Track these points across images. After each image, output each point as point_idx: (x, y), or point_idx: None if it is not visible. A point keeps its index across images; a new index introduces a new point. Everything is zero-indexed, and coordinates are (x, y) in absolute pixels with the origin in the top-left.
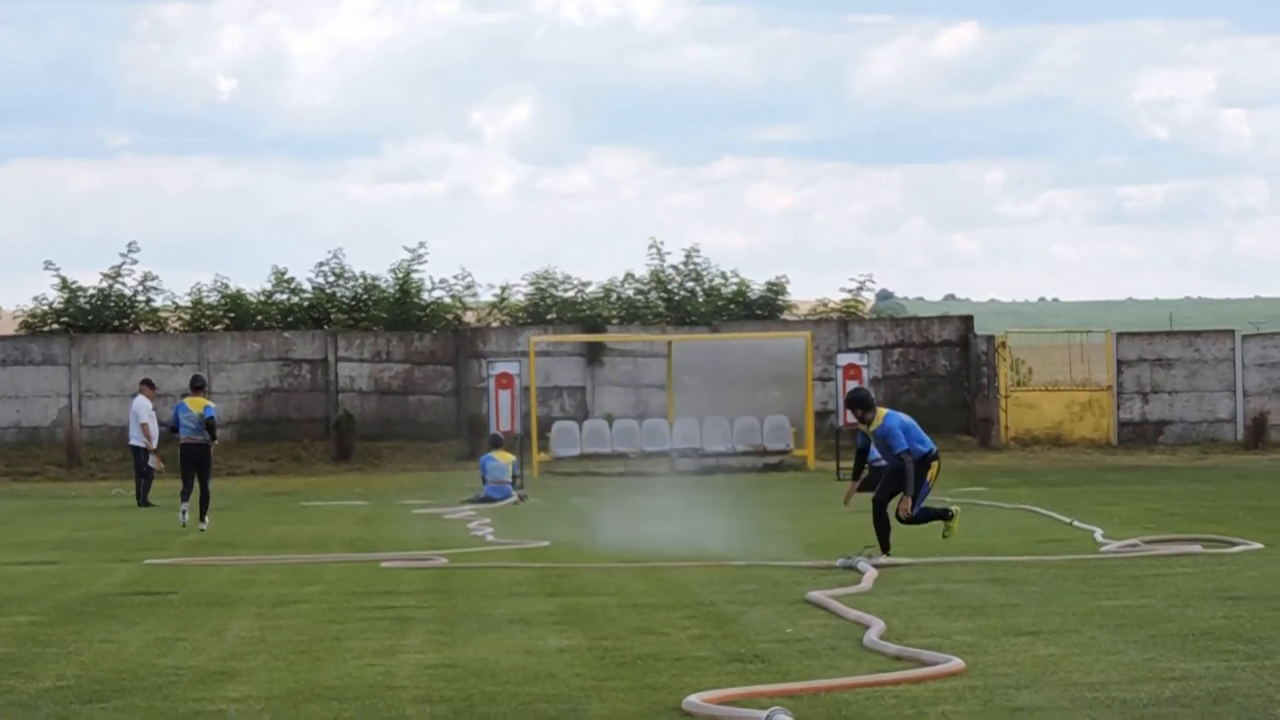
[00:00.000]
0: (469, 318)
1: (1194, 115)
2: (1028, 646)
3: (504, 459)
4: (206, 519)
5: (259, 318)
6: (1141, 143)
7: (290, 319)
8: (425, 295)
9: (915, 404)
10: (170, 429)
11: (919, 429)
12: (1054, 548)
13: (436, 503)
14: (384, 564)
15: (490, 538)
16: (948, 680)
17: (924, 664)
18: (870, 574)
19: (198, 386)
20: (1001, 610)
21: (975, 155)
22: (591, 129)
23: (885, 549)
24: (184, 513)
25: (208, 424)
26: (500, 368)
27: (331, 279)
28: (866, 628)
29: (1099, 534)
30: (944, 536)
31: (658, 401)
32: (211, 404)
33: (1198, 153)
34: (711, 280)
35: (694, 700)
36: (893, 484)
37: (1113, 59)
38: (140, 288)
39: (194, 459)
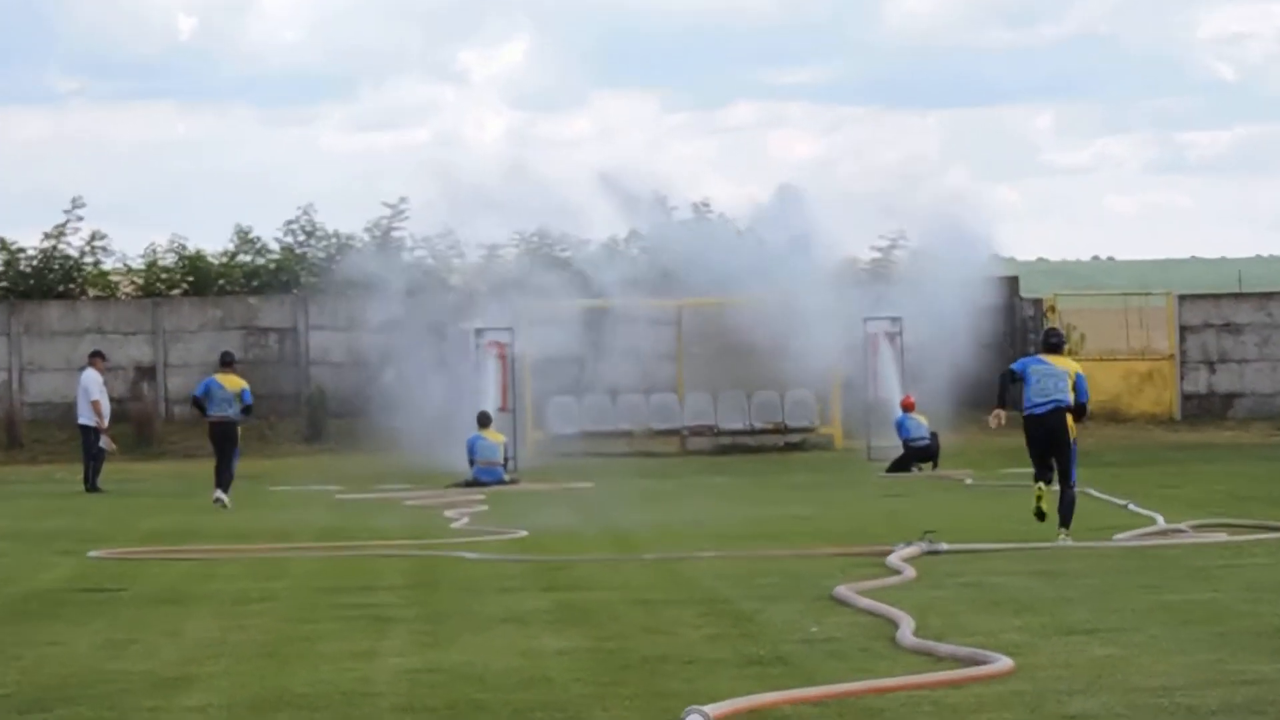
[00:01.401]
0: (455, 280)
1: (1264, 53)
2: (1082, 646)
3: (494, 439)
4: (228, 495)
5: (220, 282)
6: (1205, 83)
7: (255, 283)
8: (406, 256)
9: (952, 373)
10: (195, 403)
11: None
12: (1109, 535)
13: (418, 487)
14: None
15: (463, 525)
16: (992, 684)
17: (967, 664)
18: (908, 569)
19: (228, 362)
20: (1052, 605)
21: (1020, 98)
22: (593, 70)
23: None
24: (218, 498)
25: (246, 408)
26: (490, 336)
27: (302, 238)
28: (897, 625)
29: (1160, 520)
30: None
31: (666, 373)
32: (248, 385)
33: (1268, 95)
34: (725, 237)
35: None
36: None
37: None
38: (87, 249)
39: (225, 436)
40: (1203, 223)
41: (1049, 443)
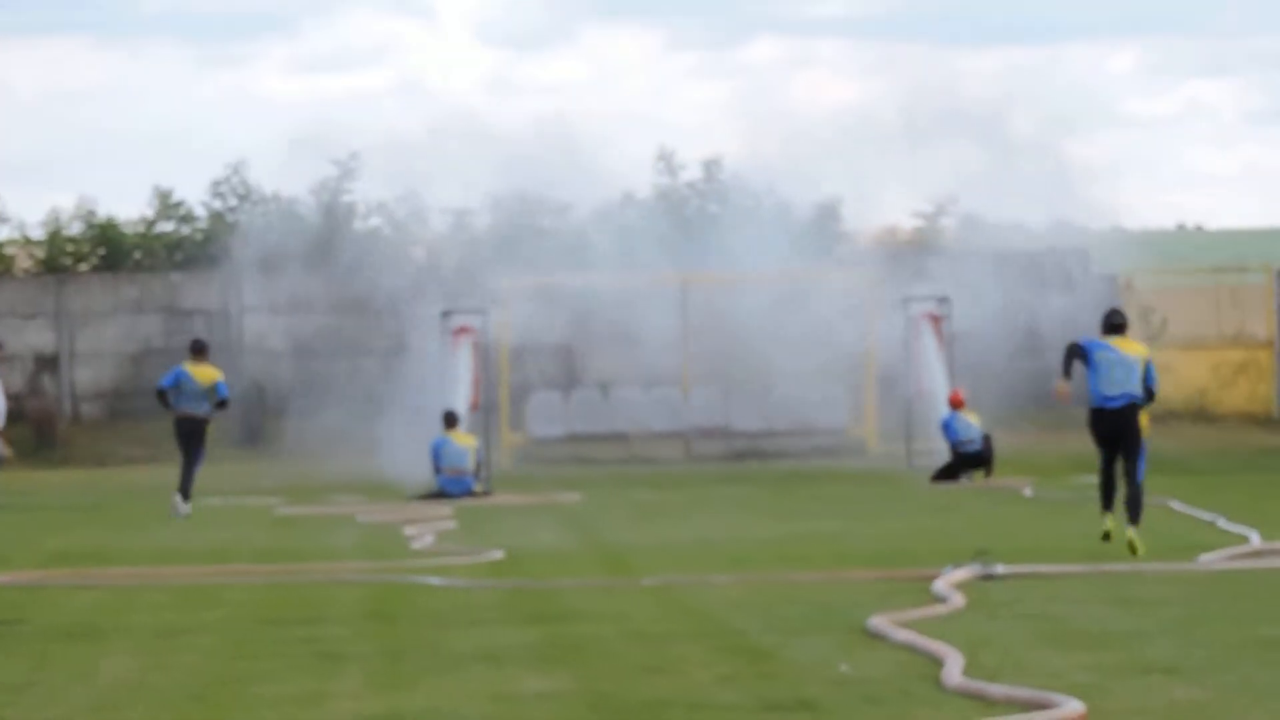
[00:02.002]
0: (417, 253)
1: None
2: (1162, 688)
3: (463, 442)
4: (187, 504)
5: (137, 255)
6: None
7: (179, 257)
8: (358, 224)
9: (1010, 365)
10: (160, 396)
11: None
12: (1194, 557)
13: (374, 500)
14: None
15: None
16: None
17: (1026, 709)
18: (956, 596)
19: (199, 350)
20: (1126, 640)
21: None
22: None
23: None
24: (175, 506)
25: (220, 403)
26: (459, 319)
27: (233, 203)
28: (943, 663)
29: (1255, 539)
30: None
31: (669, 365)
32: (223, 377)
33: None
34: (741, 201)
35: None
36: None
37: None
38: None
39: (192, 434)
40: None
41: (1119, 439)
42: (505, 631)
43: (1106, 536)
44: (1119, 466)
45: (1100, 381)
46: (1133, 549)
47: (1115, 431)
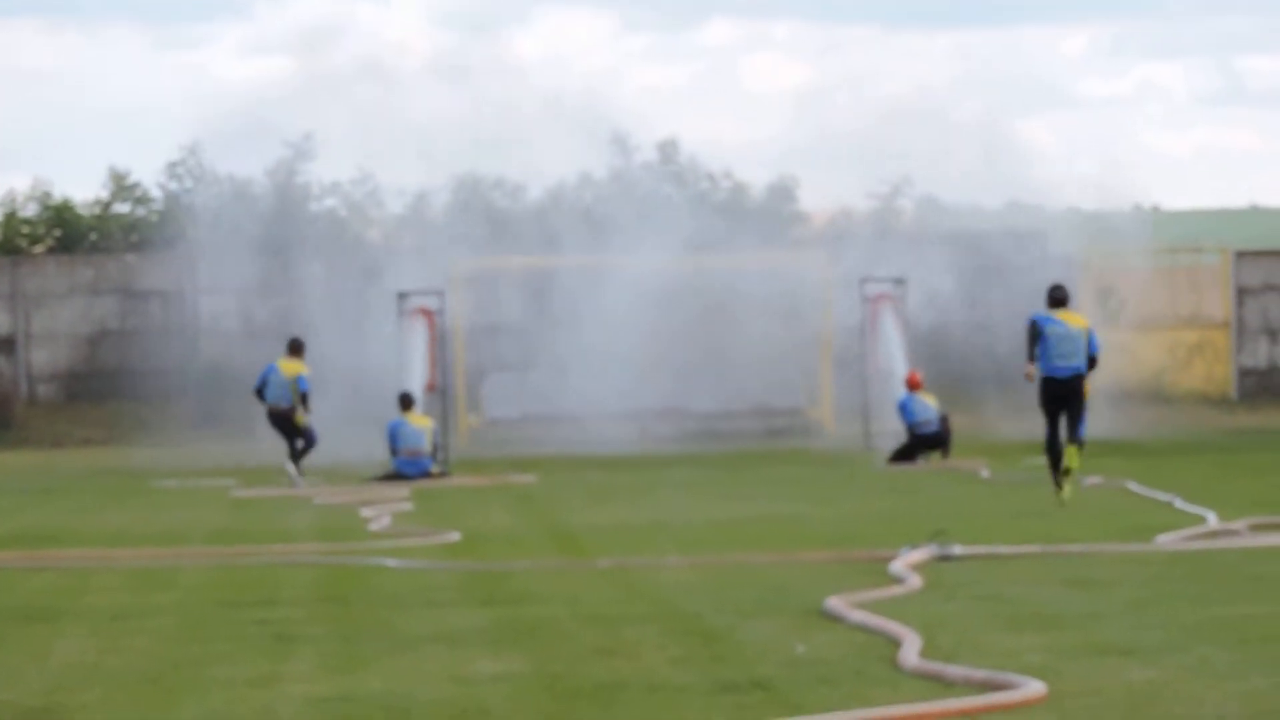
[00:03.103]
0: (373, 235)
1: None
2: (1118, 669)
3: (419, 424)
4: (297, 468)
5: (93, 236)
6: None
7: (135, 238)
8: (313, 205)
9: (966, 347)
10: (257, 392)
11: None
12: (1151, 538)
13: (329, 482)
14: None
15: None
16: (1013, 714)
17: (983, 690)
18: (912, 577)
19: (294, 348)
20: (1083, 621)
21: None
22: None
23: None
24: (289, 471)
25: (302, 396)
26: (415, 301)
27: (189, 184)
28: (900, 644)
29: (1212, 519)
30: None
31: (624, 346)
32: (308, 373)
33: None
34: (696, 183)
35: None
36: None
37: None
38: None
39: (279, 424)
40: (1266, 165)
41: (1064, 404)
42: (461, 613)
43: (1068, 471)
44: (1063, 434)
45: (1049, 354)
46: (1068, 469)
47: (1062, 398)
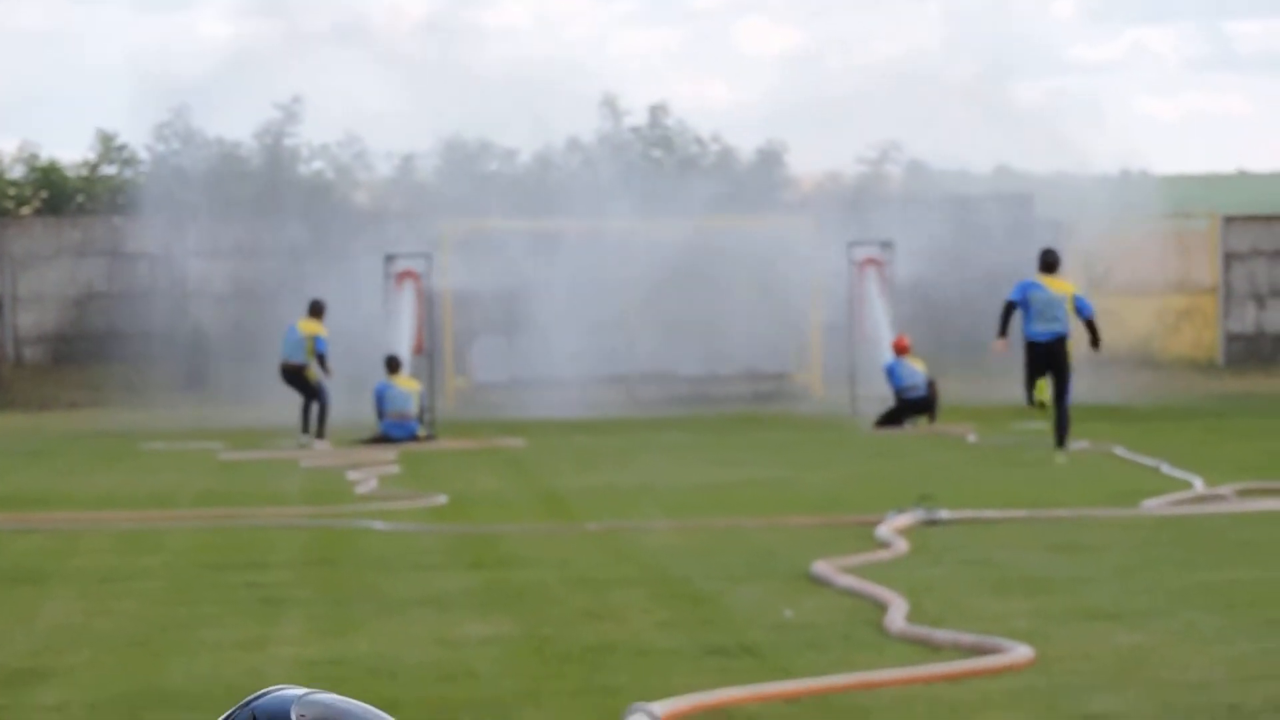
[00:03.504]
0: (360, 197)
1: None
2: (1105, 634)
3: (406, 386)
4: (319, 433)
5: (80, 198)
6: None
7: (122, 200)
8: (302, 168)
9: (953, 311)
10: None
11: None
12: (1138, 503)
13: (316, 444)
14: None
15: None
16: (999, 678)
17: (970, 654)
18: (899, 542)
19: (315, 311)
20: (1070, 586)
21: None
22: None
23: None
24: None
25: (320, 357)
26: (403, 264)
27: (177, 146)
28: (886, 609)
29: (1199, 484)
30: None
31: (613, 310)
32: (325, 334)
33: None
34: (685, 148)
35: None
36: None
37: None
38: None
39: (292, 381)
40: (1254, 130)
41: (1049, 366)
42: (448, 576)
43: (1042, 405)
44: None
45: (1033, 319)
46: (1041, 403)
47: (1047, 361)
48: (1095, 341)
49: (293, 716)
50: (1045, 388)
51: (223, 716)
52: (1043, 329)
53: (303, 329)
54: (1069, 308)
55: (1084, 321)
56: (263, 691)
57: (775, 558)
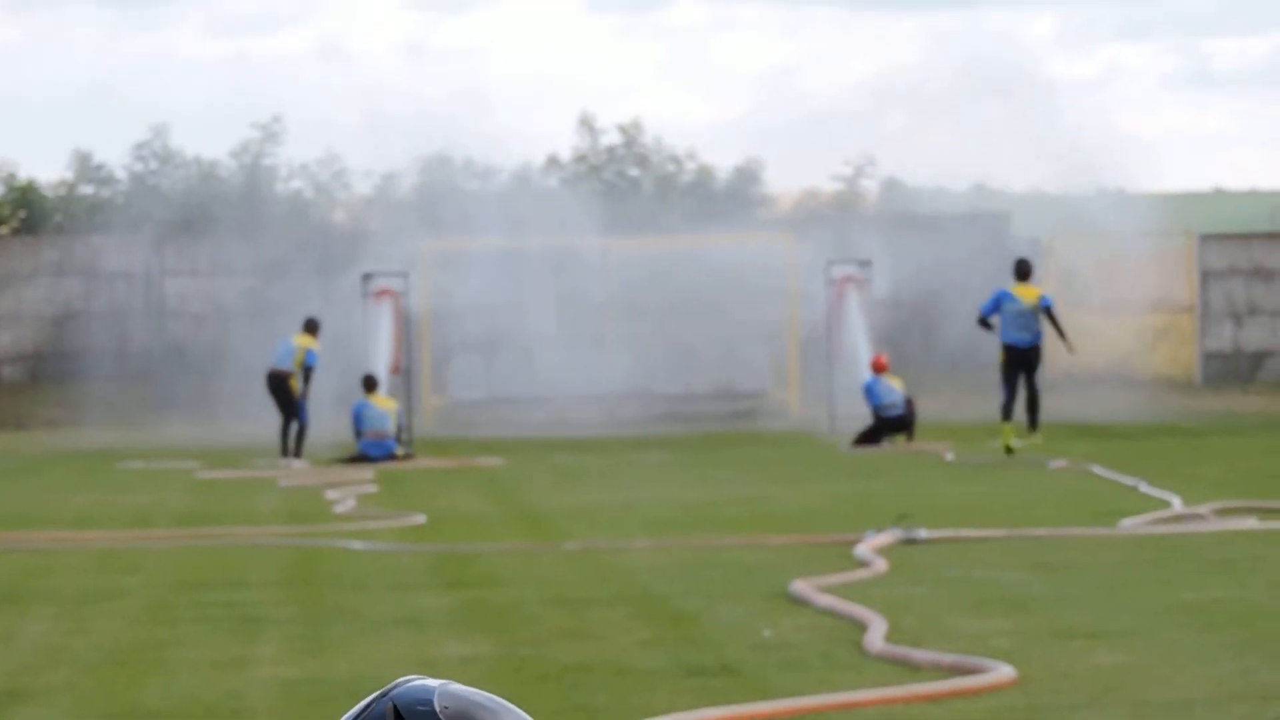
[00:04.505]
0: (339, 216)
1: None
2: (1085, 653)
3: (383, 405)
4: (297, 452)
5: (57, 217)
6: None
7: (99, 219)
8: (280, 187)
9: (931, 329)
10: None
11: None
12: (1116, 522)
13: (294, 464)
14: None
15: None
16: (979, 698)
17: (950, 674)
18: (878, 561)
19: (310, 328)
20: (1050, 605)
21: None
22: None
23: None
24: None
25: (307, 370)
26: (381, 283)
27: (154, 166)
28: (866, 628)
29: (1177, 503)
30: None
31: (590, 329)
32: (318, 349)
33: None
34: (662, 165)
35: None
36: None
37: None
38: None
39: (275, 390)
40: (1231, 149)
41: (1024, 367)
42: (427, 596)
43: (1009, 450)
44: (1020, 389)
45: (1010, 327)
46: (1007, 448)
47: (1022, 363)
48: (1062, 336)
49: (436, 706)
50: (1011, 434)
51: (360, 705)
52: (1020, 335)
53: (296, 341)
54: (1039, 314)
55: (1044, 313)
56: (399, 681)
57: (754, 577)
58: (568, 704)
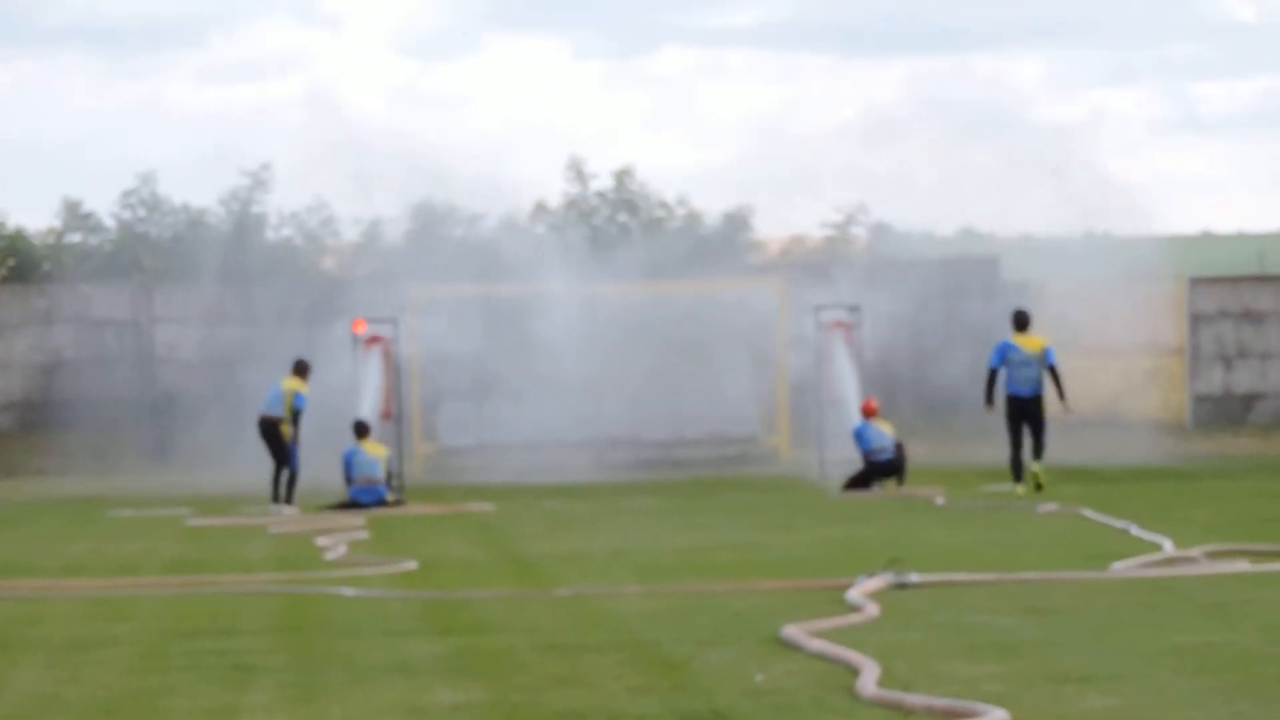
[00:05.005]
0: (327, 263)
1: None
2: (1076, 697)
3: (374, 452)
4: (287, 499)
5: (46, 265)
6: (1222, 25)
7: (89, 267)
8: (270, 234)
9: (920, 374)
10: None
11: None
12: (1107, 565)
13: (284, 511)
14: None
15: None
16: None
17: (944, 718)
18: (869, 606)
19: (299, 370)
20: (1040, 649)
21: (1001, 43)
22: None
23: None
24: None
25: (295, 413)
26: (370, 329)
27: (143, 214)
28: (858, 673)
29: (1168, 546)
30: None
31: (580, 374)
32: (306, 392)
33: None
34: (651, 211)
35: None
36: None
37: None
38: None
39: (267, 436)
40: (1219, 192)
41: (1026, 418)
42: (419, 642)
43: (1039, 488)
44: (1026, 445)
45: (1012, 377)
46: (1038, 484)
47: (1024, 413)
48: (1060, 392)
49: None
50: (1023, 489)
51: None
52: (1023, 387)
53: (285, 385)
54: (1041, 365)
55: (1048, 369)
56: None
57: (745, 622)
58: None
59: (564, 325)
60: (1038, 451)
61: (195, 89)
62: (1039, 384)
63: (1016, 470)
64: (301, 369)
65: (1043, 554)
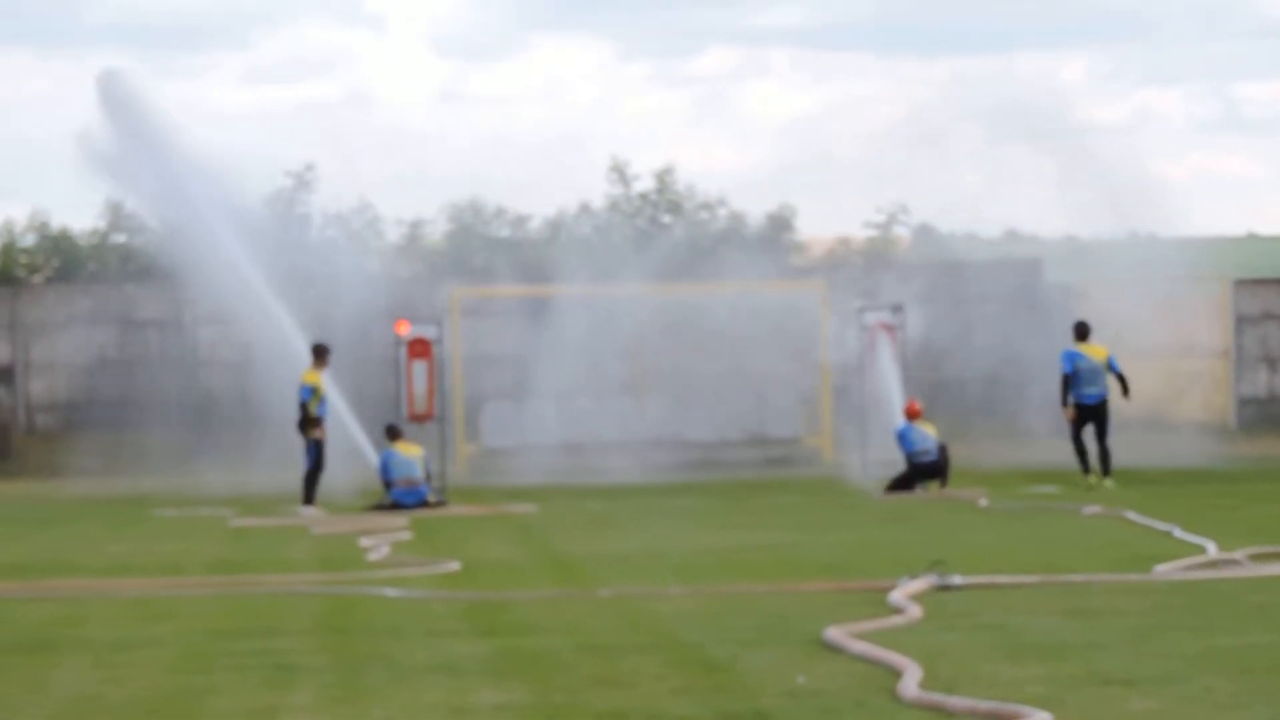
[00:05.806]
0: (372, 264)
1: None
2: (1120, 699)
3: (409, 452)
4: (307, 498)
5: (91, 265)
6: (1266, 25)
7: (133, 267)
8: (313, 235)
9: (962, 376)
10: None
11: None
12: (1150, 567)
13: (328, 511)
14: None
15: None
16: None
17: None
18: (912, 607)
19: (314, 355)
20: (1084, 652)
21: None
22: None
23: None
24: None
25: (300, 406)
26: (414, 330)
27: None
28: (900, 675)
29: (1212, 549)
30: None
31: (623, 374)
32: (313, 383)
33: None
34: (694, 212)
35: None
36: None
37: None
38: None
39: (301, 432)
40: (1265, 192)
41: (1095, 420)
42: (461, 643)
43: (1090, 489)
44: (1089, 438)
45: (1081, 384)
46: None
47: (1092, 417)
48: (1125, 390)
49: None
50: (1095, 478)
51: None
52: (1089, 392)
53: (302, 378)
54: (1106, 371)
55: (1115, 375)
56: None
57: (787, 623)
58: None
59: (607, 326)
60: (1103, 456)
61: (237, 90)
62: (1105, 389)
63: (1084, 461)
64: (318, 352)
65: (1086, 556)
